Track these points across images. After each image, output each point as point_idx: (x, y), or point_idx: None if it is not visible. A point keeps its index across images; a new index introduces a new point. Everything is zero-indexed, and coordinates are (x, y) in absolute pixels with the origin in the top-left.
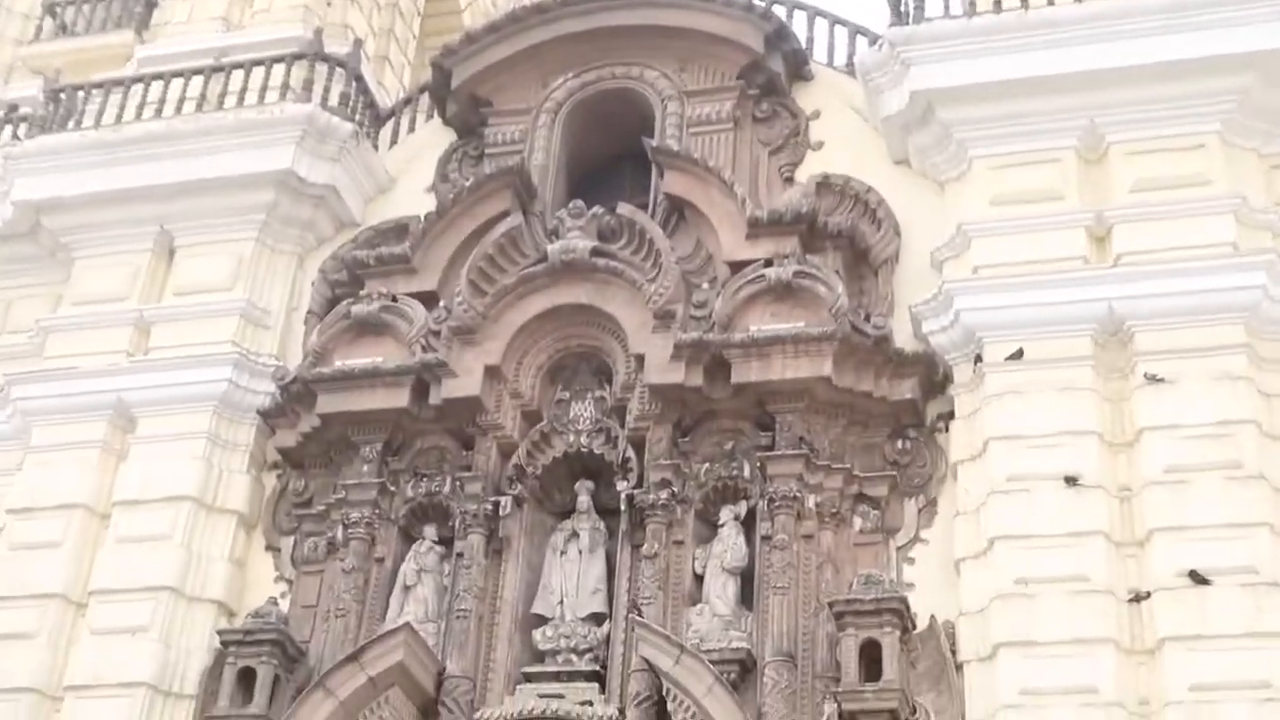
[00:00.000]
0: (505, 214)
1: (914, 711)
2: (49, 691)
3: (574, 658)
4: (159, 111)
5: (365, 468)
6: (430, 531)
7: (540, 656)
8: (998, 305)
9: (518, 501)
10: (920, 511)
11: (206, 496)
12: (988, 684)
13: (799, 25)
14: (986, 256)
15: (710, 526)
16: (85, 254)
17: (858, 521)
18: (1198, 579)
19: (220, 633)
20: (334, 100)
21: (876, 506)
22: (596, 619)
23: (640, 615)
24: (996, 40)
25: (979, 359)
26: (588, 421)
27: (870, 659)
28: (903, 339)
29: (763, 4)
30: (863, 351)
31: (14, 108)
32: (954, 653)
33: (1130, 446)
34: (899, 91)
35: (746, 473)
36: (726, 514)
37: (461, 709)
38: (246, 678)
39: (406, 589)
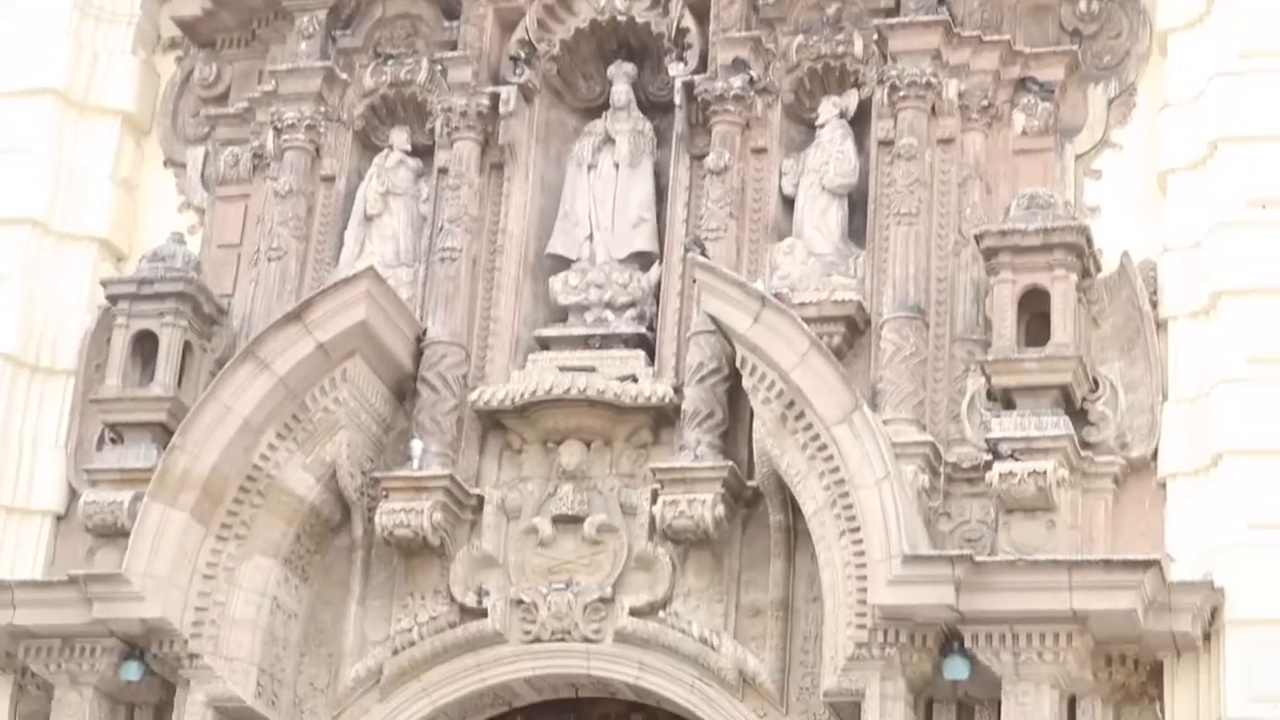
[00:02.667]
0: None
1: (1095, 386)
2: None
3: (609, 315)
4: None
5: (304, 46)
6: (400, 138)
7: (562, 314)
8: None
9: (525, 93)
10: (1111, 104)
11: (75, 90)
12: (1202, 348)
13: None
14: None
15: (806, 128)
16: None
17: (1020, 119)
18: None
19: (105, 284)
20: None
21: (1048, 96)
22: (641, 261)
23: (703, 254)
24: None
25: None
26: None
27: (1034, 314)
28: None
29: None
30: None
31: None
32: (1154, 305)
33: None
34: None
35: (858, 49)
36: (829, 109)
37: (450, 386)
38: (144, 346)
39: (368, 220)
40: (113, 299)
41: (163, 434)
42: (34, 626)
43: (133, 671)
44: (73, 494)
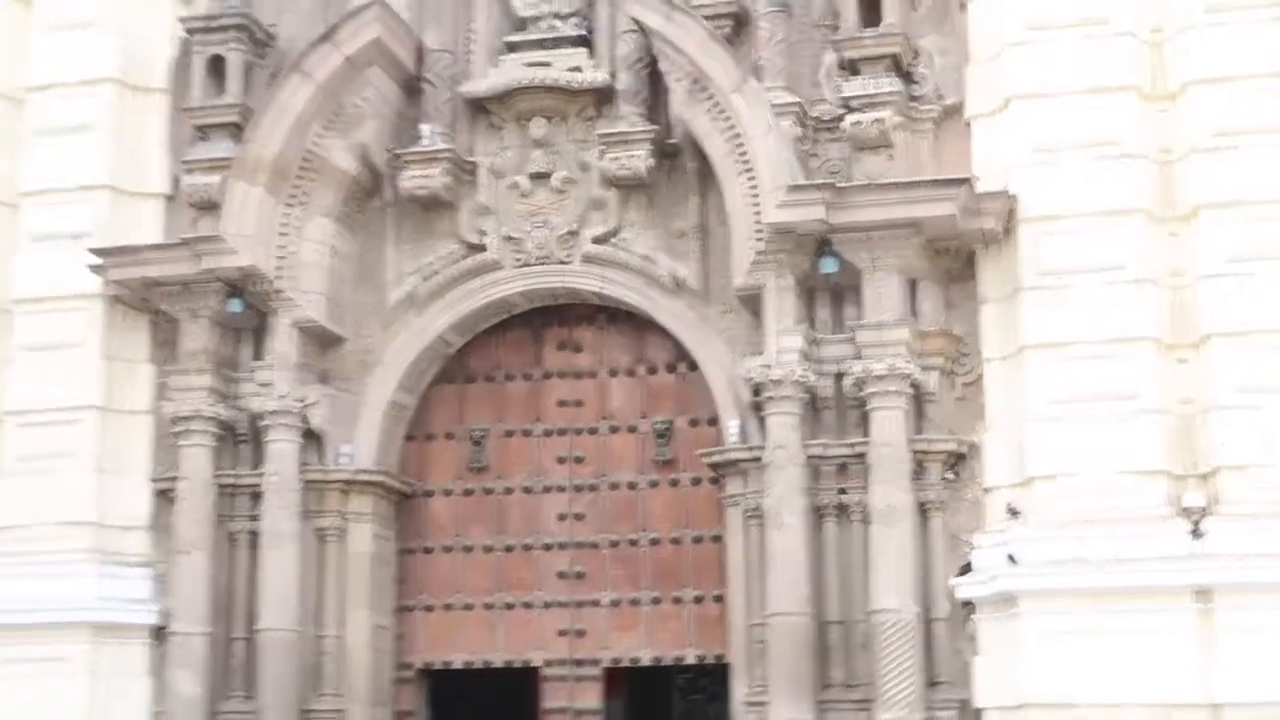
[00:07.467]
0: None
1: (916, 55)
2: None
3: (558, 23)
4: None
5: None
6: None
7: (522, 24)
8: None
9: None
10: None
11: None
12: (995, 21)
13: None
14: None
15: None
16: None
17: None
18: None
19: (183, 20)
20: None
21: None
22: None
23: None
24: None
25: None
26: None
27: (870, 3)
28: None
29: None
30: None
31: None
32: None
33: None
34: None
35: None
36: None
37: (445, 83)
38: (217, 66)
39: None
40: (190, 31)
41: (237, 131)
42: (160, 277)
43: (236, 306)
44: (175, 181)
